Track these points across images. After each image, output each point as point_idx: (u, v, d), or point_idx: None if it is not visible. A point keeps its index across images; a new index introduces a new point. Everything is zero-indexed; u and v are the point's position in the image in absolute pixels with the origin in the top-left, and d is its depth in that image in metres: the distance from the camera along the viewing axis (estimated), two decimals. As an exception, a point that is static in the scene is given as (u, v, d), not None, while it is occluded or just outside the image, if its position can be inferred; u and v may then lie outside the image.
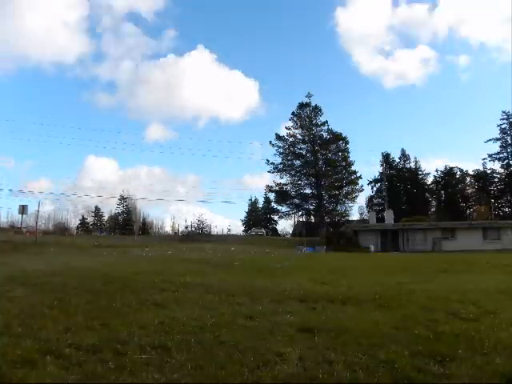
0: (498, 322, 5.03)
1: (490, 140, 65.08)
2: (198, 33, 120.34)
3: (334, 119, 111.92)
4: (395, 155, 70.80)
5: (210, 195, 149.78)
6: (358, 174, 57.27)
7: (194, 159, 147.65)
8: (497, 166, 66.12)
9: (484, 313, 5.65)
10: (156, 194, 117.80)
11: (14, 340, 4.12)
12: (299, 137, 58.30)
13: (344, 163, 57.30)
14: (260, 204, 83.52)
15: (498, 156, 65.11)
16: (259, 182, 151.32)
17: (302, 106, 58.24)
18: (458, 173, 68.76)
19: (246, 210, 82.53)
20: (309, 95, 58.10)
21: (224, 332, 4.51)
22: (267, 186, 60.87)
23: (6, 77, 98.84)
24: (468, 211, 66.96)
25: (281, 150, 57.89)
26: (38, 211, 38.92)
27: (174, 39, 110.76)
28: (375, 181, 69.27)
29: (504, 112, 64.31)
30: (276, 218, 72.67)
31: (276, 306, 6.04)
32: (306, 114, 58.14)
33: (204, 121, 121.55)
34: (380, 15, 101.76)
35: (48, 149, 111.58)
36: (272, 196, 65.03)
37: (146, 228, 74.69)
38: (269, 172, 58.86)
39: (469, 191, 68.57)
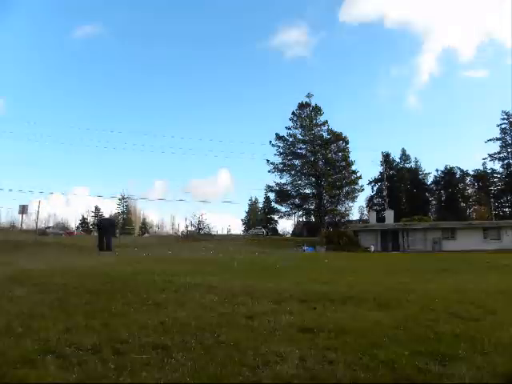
0: (498, 322, 5.03)
1: (490, 140, 65.23)
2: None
3: (335, 119, 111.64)
4: (395, 155, 70.93)
5: (210, 195, 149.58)
6: (358, 174, 57.27)
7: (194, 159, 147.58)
8: (497, 165, 66.33)
9: (484, 313, 5.65)
10: (156, 194, 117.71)
11: (14, 340, 4.12)
12: (299, 137, 58.26)
13: (344, 163, 57.26)
14: (260, 204, 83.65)
15: (498, 156, 65.27)
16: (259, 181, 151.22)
17: (301, 105, 58.23)
18: (458, 173, 68.84)
19: (246, 210, 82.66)
20: (309, 95, 58.13)
21: (224, 332, 4.50)
22: (267, 185, 60.90)
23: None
24: (468, 211, 67.00)
25: (281, 150, 57.90)
26: (38, 211, 38.91)
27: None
28: (375, 181, 69.36)
29: (504, 112, 64.45)
30: (276, 217, 72.78)
31: (276, 306, 6.03)
32: (306, 114, 58.12)
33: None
34: None
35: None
36: (272, 196, 65.08)
37: (145, 228, 74.79)
38: (269, 172, 58.88)
39: (469, 191, 68.67)
